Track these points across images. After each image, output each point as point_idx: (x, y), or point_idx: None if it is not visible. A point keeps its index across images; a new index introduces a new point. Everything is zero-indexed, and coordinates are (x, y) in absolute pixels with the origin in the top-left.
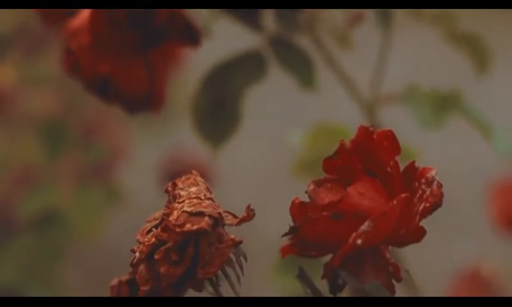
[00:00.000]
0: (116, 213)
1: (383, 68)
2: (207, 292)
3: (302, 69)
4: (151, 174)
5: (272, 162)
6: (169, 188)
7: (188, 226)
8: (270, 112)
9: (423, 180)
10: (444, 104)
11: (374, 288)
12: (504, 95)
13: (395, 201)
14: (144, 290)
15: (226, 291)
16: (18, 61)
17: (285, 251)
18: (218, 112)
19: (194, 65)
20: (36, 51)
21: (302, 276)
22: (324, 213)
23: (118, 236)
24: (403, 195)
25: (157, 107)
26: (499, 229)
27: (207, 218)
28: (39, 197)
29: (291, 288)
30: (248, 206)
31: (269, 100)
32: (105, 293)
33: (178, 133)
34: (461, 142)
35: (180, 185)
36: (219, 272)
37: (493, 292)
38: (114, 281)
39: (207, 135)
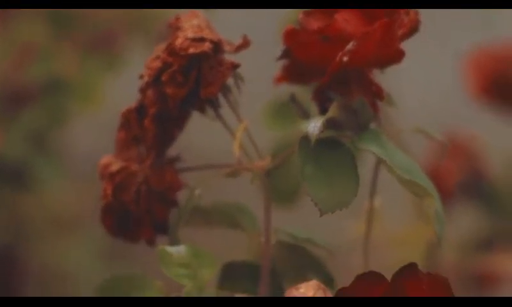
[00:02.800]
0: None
1: None
2: (209, 117)
3: None
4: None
5: (262, 22)
6: (173, 22)
7: (191, 49)
8: None
9: (402, 11)
10: None
11: (359, 104)
12: None
13: (376, 24)
14: (152, 112)
15: (226, 115)
16: None
17: (278, 80)
18: None
19: None
20: None
21: (293, 100)
22: (314, 36)
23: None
24: (384, 19)
25: None
26: (475, 98)
27: (208, 43)
28: (44, 65)
29: (282, 130)
30: (244, 35)
31: None
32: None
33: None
34: None
35: (182, 19)
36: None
37: (470, 158)
38: (123, 109)
39: None
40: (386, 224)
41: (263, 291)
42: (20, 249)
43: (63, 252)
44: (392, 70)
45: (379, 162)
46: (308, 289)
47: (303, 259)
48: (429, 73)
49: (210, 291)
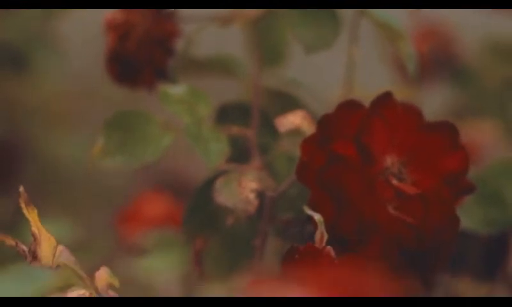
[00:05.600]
0: None
1: None
2: None
3: None
4: None
5: None
6: None
7: None
8: None
9: None
10: None
11: None
12: None
13: None
14: None
15: None
16: None
17: None
18: None
19: None
20: None
21: None
22: None
23: None
24: None
25: None
26: None
27: None
28: None
29: None
30: None
31: None
32: None
33: None
34: None
35: None
36: None
37: (441, 38)
38: None
39: None
40: (367, 88)
41: (254, 125)
42: (14, 135)
43: (57, 140)
44: None
45: (358, 13)
46: (295, 117)
47: (290, 102)
48: None
49: (208, 126)
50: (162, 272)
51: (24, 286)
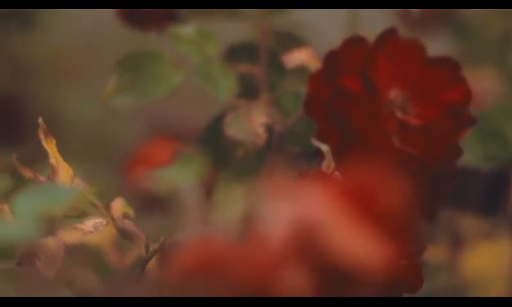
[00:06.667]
0: None
1: None
2: None
3: None
4: None
5: None
6: None
7: None
8: None
9: None
10: None
11: None
12: None
13: None
14: None
15: None
16: None
17: None
18: None
19: None
20: None
21: None
22: None
23: None
24: None
25: None
26: None
27: None
28: None
29: None
30: None
31: None
32: None
33: None
34: None
35: None
36: None
37: None
38: None
39: None
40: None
41: (262, 63)
42: (20, 91)
43: (62, 96)
44: None
45: None
46: (301, 54)
47: (296, 42)
48: None
49: (217, 64)
50: (182, 182)
51: (44, 203)
